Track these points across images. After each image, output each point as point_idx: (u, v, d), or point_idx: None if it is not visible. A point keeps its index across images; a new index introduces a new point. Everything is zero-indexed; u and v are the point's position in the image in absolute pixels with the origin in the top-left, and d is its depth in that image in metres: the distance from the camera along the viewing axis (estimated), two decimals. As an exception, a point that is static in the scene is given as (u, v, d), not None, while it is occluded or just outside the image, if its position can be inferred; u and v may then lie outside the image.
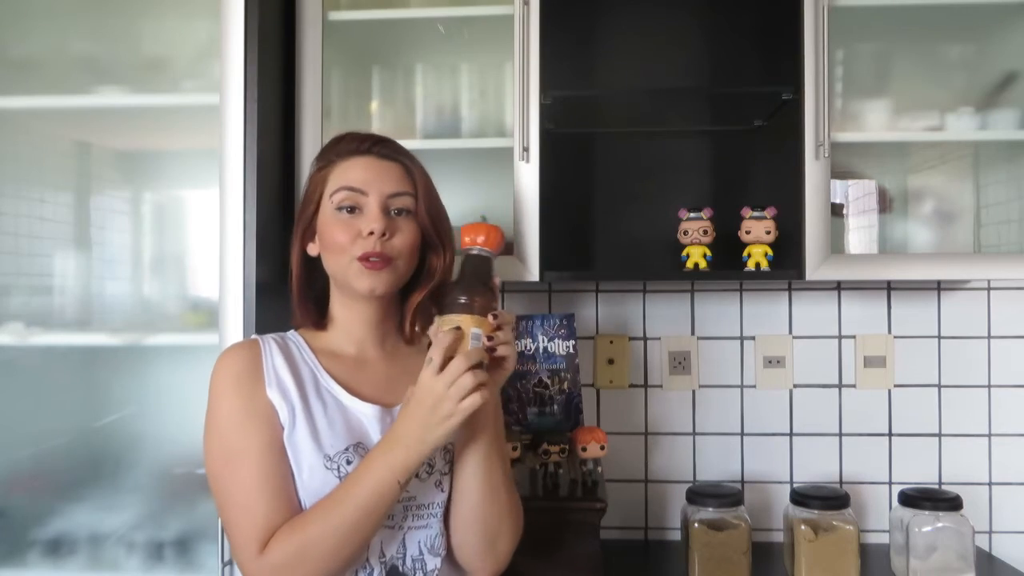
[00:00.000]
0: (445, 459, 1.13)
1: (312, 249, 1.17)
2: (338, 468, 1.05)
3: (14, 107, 1.53)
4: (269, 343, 1.13)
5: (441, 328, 1.02)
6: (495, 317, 1.03)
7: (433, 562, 1.11)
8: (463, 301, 1.03)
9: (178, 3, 1.59)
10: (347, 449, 1.07)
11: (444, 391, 0.97)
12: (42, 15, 1.59)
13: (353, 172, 1.12)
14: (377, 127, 1.70)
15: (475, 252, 1.08)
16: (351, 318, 1.17)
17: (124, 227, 1.62)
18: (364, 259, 1.09)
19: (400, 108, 1.70)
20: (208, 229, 1.41)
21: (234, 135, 1.38)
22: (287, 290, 1.28)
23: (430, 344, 1.02)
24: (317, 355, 1.15)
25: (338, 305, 1.18)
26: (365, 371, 1.16)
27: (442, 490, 1.12)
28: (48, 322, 1.57)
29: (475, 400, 0.97)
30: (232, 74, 1.38)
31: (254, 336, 1.16)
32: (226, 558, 1.31)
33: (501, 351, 1.03)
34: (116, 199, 1.65)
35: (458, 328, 1.01)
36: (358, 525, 1.00)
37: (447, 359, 0.99)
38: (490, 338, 1.02)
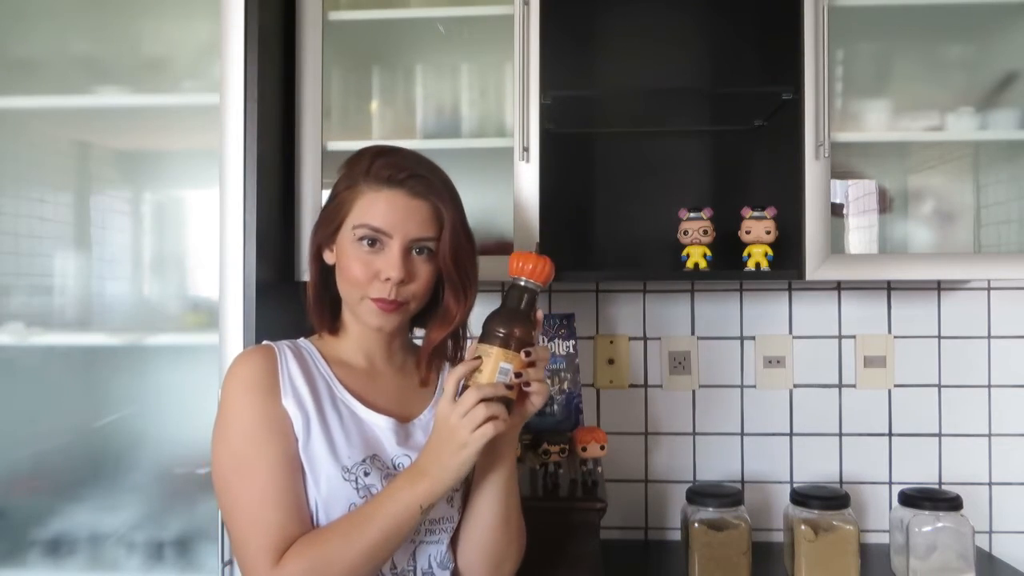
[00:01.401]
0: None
1: (328, 258, 1.14)
2: (356, 480, 1.05)
3: (14, 107, 1.53)
4: (285, 351, 1.11)
5: (483, 352, 1.02)
6: (528, 354, 1.02)
7: (442, 575, 1.12)
8: (501, 333, 1.02)
9: (178, 3, 1.59)
10: (364, 461, 1.06)
11: (457, 421, 0.98)
12: (42, 15, 1.59)
13: (379, 208, 1.07)
14: (377, 127, 1.70)
15: (522, 283, 1.06)
16: (361, 331, 1.15)
17: (124, 227, 1.62)
18: (379, 302, 1.08)
19: (400, 108, 1.70)
20: (208, 229, 1.41)
21: (234, 135, 1.38)
22: (288, 290, 1.28)
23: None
24: (330, 365, 1.13)
25: (349, 318, 1.16)
26: (377, 383, 1.15)
27: (453, 506, 1.12)
28: (48, 322, 1.57)
29: (487, 431, 0.97)
30: (232, 74, 1.38)
31: (268, 342, 1.13)
32: (226, 558, 1.31)
33: (530, 388, 1.03)
34: (116, 199, 1.65)
35: (477, 357, 1.01)
36: (378, 546, 1.00)
37: (464, 387, 1.00)
38: (519, 374, 1.01)
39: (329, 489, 1.04)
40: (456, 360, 1.18)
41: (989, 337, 1.77)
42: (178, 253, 1.63)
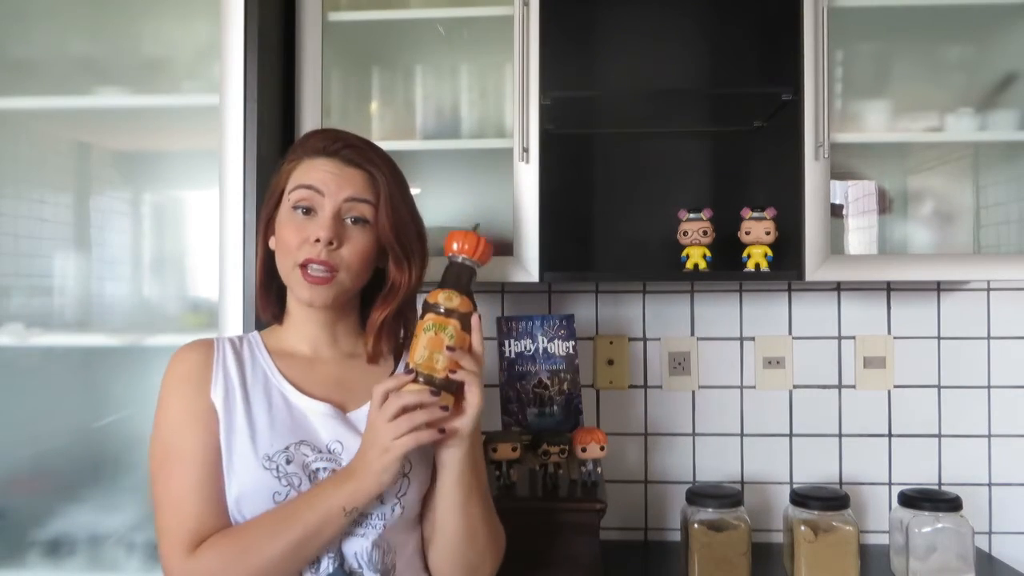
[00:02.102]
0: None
1: (272, 243, 1.15)
2: (276, 468, 1.04)
3: (14, 107, 1.54)
4: (224, 344, 1.13)
5: (420, 330, 1.04)
6: (464, 330, 1.04)
7: None
8: (439, 308, 1.04)
9: (178, 3, 1.59)
10: (287, 448, 1.06)
11: (382, 425, 0.99)
12: (42, 16, 1.59)
13: (315, 172, 1.09)
14: (377, 127, 1.70)
15: (459, 260, 1.08)
16: (303, 317, 1.15)
17: (124, 228, 1.62)
18: (304, 267, 1.08)
19: (400, 109, 1.70)
20: (208, 229, 1.41)
21: (234, 135, 1.38)
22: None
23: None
24: (272, 355, 1.14)
25: (292, 303, 1.17)
26: (317, 370, 1.14)
27: (381, 502, 1.06)
28: (48, 323, 1.57)
29: (408, 441, 0.98)
30: (232, 74, 1.38)
31: (213, 336, 1.16)
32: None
33: (455, 374, 1.02)
34: (116, 200, 1.65)
35: (413, 371, 1.02)
36: (299, 545, 0.99)
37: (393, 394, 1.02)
38: (451, 348, 1.02)
39: (248, 478, 1.04)
40: (407, 340, 1.17)
41: (989, 338, 1.77)
42: (178, 254, 1.63)
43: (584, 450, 1.49)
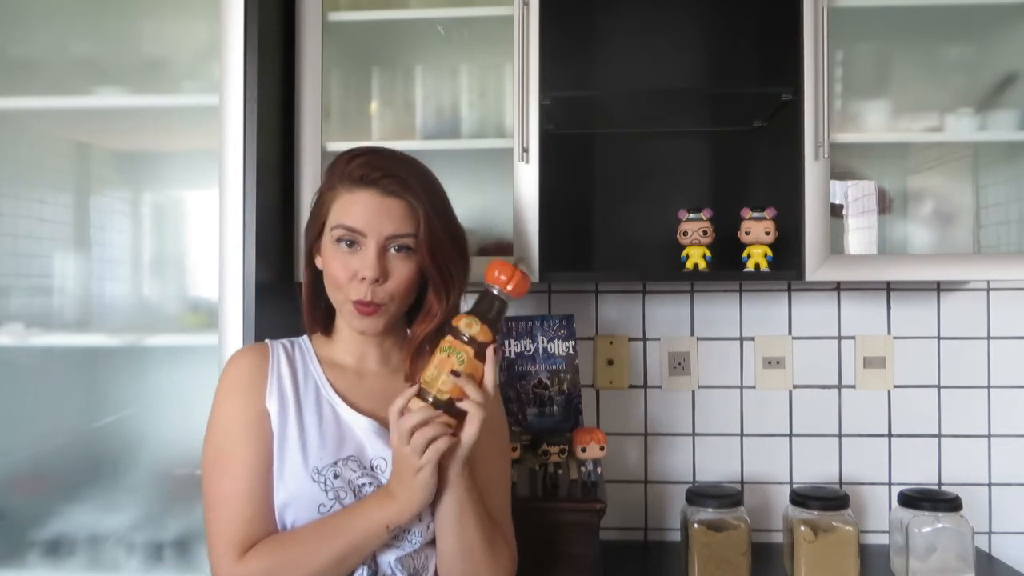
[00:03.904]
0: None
1: (319, 262, 1.16)
2: (325, 481, 1.06)
3: (14, 107, 1.53)
4: (278, 350, 1.15)
5: (437, 349, 1.04)
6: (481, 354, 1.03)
7: None
8: (464, 336, 1.03)
9: (178, 3, 1.59)
10: (336, 463, 1.08)
11: (401, 447, 1.01)
12: (42, 16, 1.59)
13: (354, 209, 1.09)
14: (377, 128, 1.70)
15: (495, 292, 1.06)
16: (353, 334, 1.17)
17: (124, 228, 1.62)
18: (358, 304, 1.09)
19: (400, 109, 1.70)
20: (208, 229, 1.41)
21: (234, 135, 1.38)
22: (287, 291, 1.28)
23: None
24: (323, 364, 1.16)
25: (341, 320, 1.18)
26: (365, 384, 1.16)
27: (420, 520, 1.09)
28: (48, 323, 1.57)
29: (434, 449, 1.00)
30: (232, 74, 1.38)
31: (266, 341, 1.17)
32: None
33: (462, 403, 1.02)
34: (116, 200, 1.65)
35: (418, 387, 1.03)
36: (342, 559, 1.03)
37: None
38: (456, 373, 1.02)
39: (297, 489, 1.06)
40: None
41: (988, 338, 1.77)
42: (178, 254, 1.63)
43: (584, 450, 1.49)
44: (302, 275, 1.20)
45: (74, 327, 1.57)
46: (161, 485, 1.51)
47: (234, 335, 1.36)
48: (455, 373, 1.02)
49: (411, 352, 1.15)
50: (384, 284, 1.09)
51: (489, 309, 1.06)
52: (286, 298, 1.46)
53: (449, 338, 1.04)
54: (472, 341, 1.03)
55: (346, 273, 1.09)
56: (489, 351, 1.04)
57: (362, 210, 1.08)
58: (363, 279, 1.07)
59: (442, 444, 1.00)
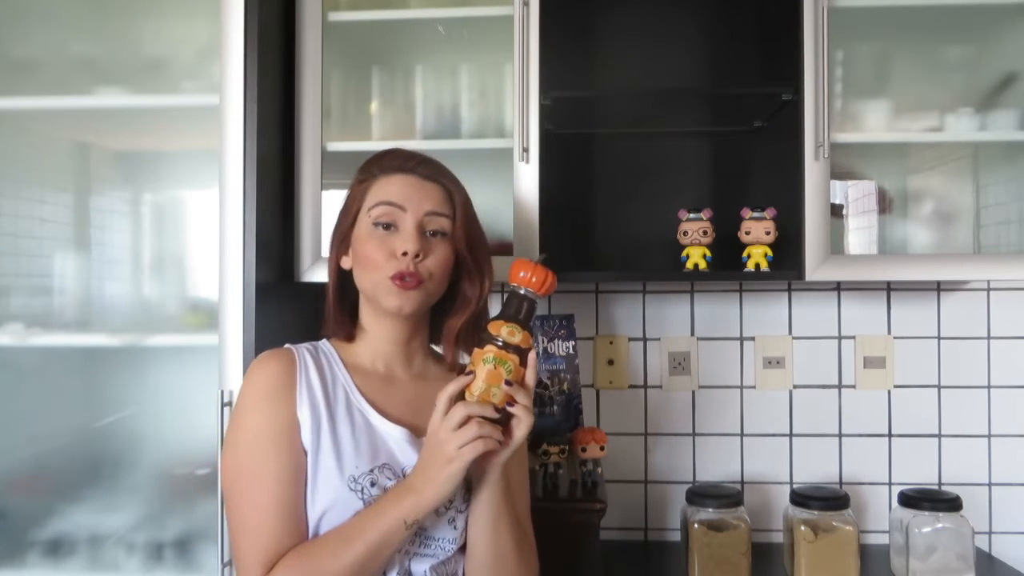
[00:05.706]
0: (464, 498, 1.10)
1: (345, 262, 1.16)
2: (362, 490, 1.05)
3: (14, 107, 1.53)
4: (304, 356, 1.12)
5: (479, 359, 1.03)
6: (522, 363, 1.03)
7: None
8: (499, 341, 1.03)
9: (178, 3, 1.59)
10: (372, 471, 1.06)
11: (446, 435, 0.99)
12: (42, 16, 1.59)
13: (393, 187, 1.12)
14: (377, 127, 1.70)
15: (522, 292, 1.06)
16: (379, 334, 1.16)
17: (124, 228, 1.62)
18: (397, 278, 1.08)
19: (400, 109, 1.70)
20: (208, 229, 1.41)
21: (234, 135, 1.38)
22: (287, 291, 1.27)
23: (461, 371, 1.04)
24: (348, 370, 1.14)
25: (368, 319, 1.17)
26: (393, 391, 1.15)
27: (455, 527, 1.10)
28: (48, 323, 1.57)
29: (476, 447, 0.98)
30: (232, 74, 1.38)
31: (289, 346, 1.14)
32: (226, 559, 1.31)
33: (513, 408, 1.02)
34: (116, 200, 1.65)
35: (470, 372, 1.02)
36: (365, 561, 1.00)
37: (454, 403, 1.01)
38: (509, 383, 1.01)
39: (334, 498, 1.04)
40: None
41: (989, 338, 1.77)
42: (178, 254, 1.63)
43: (584, 450, 1.49)
44: (328, 277, 1.19)
45: (74, 327, 1.57)
46: (161, 485, 1.51)
47: (234, 335, 1.35)
48: (508, 383, 1.01)
49: (451, 340, 1.17)
50: (424, 260, 1.10)
51: (519, 311, 1.06)
52: (286, 298, 1.46)
53: (491, 347, 1.03)
54: (516, 348, 1.03)
55: (383, 252, 1.09)
56: (531, 356, 1.04)
57: (401, 187, 1.12)
58: (404, 254, 1.08)
59: (483, 446, 0.99)
